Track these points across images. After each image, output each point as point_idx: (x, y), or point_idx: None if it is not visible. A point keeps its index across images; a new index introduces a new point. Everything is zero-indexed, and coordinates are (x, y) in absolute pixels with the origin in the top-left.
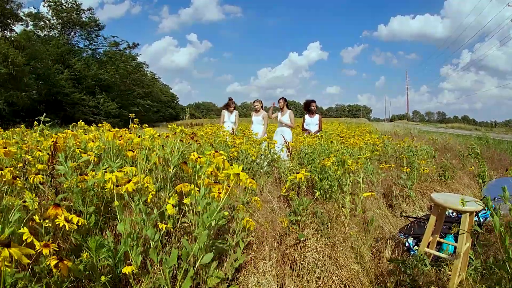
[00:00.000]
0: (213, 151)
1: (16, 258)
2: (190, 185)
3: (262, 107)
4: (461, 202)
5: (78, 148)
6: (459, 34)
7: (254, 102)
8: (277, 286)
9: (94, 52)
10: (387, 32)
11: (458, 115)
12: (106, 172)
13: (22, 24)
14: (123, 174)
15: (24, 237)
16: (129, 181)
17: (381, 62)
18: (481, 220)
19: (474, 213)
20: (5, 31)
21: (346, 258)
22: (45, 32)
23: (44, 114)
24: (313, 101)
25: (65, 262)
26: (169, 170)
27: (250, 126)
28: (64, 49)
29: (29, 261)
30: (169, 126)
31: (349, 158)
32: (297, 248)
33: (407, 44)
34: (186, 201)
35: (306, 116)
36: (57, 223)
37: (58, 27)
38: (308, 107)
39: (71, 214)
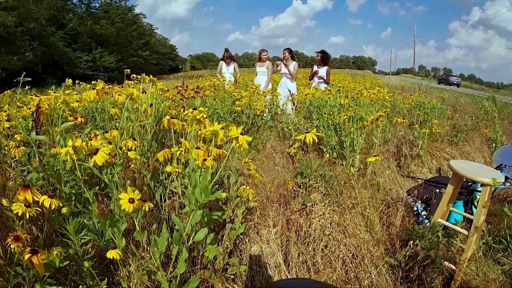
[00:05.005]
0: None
1: None
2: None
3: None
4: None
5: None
6: None
7: (261, 52)
8: (282, 254)
9: (88, 7)
10: None
11: (464, 73)
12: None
13: None
14: (89, 143)
15: None
16: (96, 152)
17: (387, 13)
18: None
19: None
20: None
21: (356, 226)
22: None
23: (24, 73)
24: (320, 51)
25: (40, 255)
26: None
27: (254, 78)
28: (57, 6)
29: None
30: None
31: (367, 114)
32: (303, 214)
33: None
34: (168, 169)
35: (315, 66)
36: (15, 211)
37: None
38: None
39: (42, 196)
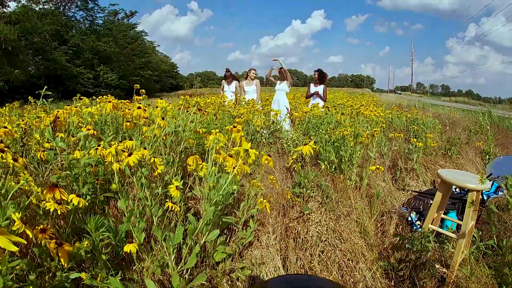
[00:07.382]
0: (231, 126)
1: (2, 246)
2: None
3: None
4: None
5: (80, 123)
6: (466, 8)
7: (250, 70)
8: (281, 259)
9: (92, 24)
10: (391, 2)
11: (462, 89)
12: (100, 147)
13: (15, 0)
14: (123, 147)
15: (15, 227)
16: (130, 154)
17: (385, 32)
18: (484, 197)
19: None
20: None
21: (350, 232)
22: (40, 6)
23: (46, 87)
24: (317, 70)
25: (65, 247)
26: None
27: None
28: (60, 22)
29: (17, 249)
30: (182, 97)
31: (363, 130)
32: (300, 221)
33: (412, 14)
34: (200, 173)
35: (311, 85)
36: (47, 208)
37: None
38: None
39: (70, 195)
